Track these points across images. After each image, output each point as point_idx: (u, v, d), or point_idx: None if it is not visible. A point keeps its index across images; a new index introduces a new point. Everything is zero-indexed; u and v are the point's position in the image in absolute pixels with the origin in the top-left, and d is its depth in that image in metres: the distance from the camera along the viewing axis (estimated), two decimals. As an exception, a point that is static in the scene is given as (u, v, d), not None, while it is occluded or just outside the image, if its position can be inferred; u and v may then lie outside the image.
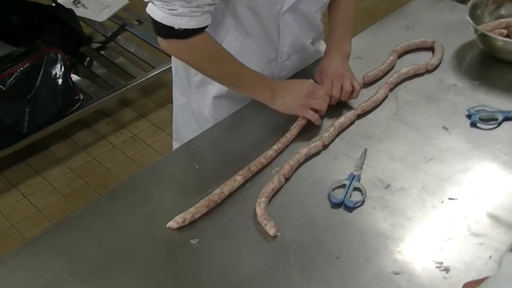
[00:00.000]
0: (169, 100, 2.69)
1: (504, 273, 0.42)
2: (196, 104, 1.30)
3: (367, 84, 1.27)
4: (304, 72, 1.32)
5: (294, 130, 1.13)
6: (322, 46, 1.38)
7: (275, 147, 1.10)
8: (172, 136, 1.49)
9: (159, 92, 2.73)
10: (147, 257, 0.93)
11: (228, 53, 1.12)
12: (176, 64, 1.33)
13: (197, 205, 0.98)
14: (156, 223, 0.98)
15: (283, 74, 1.28)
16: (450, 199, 1.00)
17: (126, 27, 2.86)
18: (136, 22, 2.96)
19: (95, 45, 2.77)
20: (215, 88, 1.25)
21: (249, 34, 1.17)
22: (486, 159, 1.07)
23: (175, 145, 1.44)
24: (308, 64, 1.34)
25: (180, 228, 0.96)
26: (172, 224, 0.96)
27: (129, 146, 2.43)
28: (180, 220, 0.96)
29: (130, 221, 0.98)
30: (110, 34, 2.77)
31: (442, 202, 0.99)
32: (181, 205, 0.99)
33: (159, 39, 1.09)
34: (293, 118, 1.16)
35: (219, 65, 1.12)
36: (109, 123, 2.57)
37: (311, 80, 1.18)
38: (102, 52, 2.76)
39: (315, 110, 1.15)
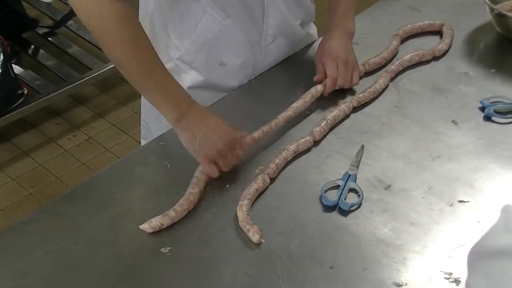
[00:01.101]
0: (132, 96, 2.77)
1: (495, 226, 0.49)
2: None
3: (367, 73, 1.34)
4: (294, 58, 1.38)
5: (280, 118, 1.18)
6: (313, 29, 1.45)
7: (256, 134, 1.13)
8: (140, 136, 1.53)
9: (121, 87, 2.77)
10: (110, 268, 0.97)
11: (147, 40, 1.07)
12: None
13: (176, 206, 1.02)
14: (121, 229, 1.02)
15: (269, 61, 1.34)
16: (460, 201, 1.06)
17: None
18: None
19: (42, 30, 2.81)
20: (190, 77, 1.30)
21: (228, 15, 1.22)
22: (502, 157, 1.14)
23: (144, 143, 1.48)
24: (298, 49, 1.40)
25: (149, 235, 1.01)
26: (145, 227, 1.00)
27: (83, 150, 2.47)
28: (157, 225, 1.00)
29: (91, 227, 1.03)
30: (60, 18, 2.82)
31: (451, 205, 1.06)
32: (150, 209, 1.04)
33: None
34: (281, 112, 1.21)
35: (129, 48, 1.04)
36: (59, 123, 2.60)
37: (235, 131, 1.10)
38: (50, 38, 2.80)
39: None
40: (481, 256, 0.49)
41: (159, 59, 1.09)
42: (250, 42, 1.28)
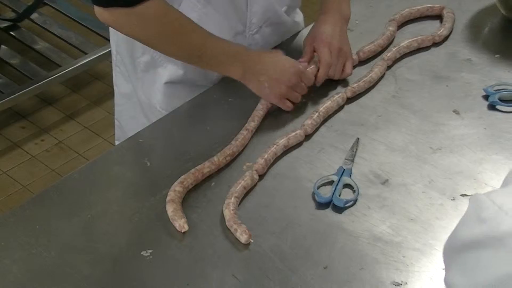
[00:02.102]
0: (106, 96, 2.81)
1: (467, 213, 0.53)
2: (143, 92, 1.38)
3: (361, 62, 1.39)
4: (279, 48, 1.42)
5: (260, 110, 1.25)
6: (299, 16, 1.49)
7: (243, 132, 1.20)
8: (115, 138, 1.56)
9: (94, 86, 2.81)
10: (87, 274, 1.01)
11: (189, 20, 1.19)
12: (116, 39, 1.40)
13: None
14: (97, 232, 1.06)
15: None
16: (463, 195, 1.11)
17: (46, 1, 2.94)
18: (59, -6, 3.04)
19: (3, 24, 2.84)
20: (167, 71, 1.34)
21: (209, 1, 1.26)
22: (508, 148, 1.19)
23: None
24: (284, 39, 1.44)
25: (126, 238, 1.05)
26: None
27: (53, 156, 2.51)
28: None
29: (64, 231, 1.06)
30: (23, 9, 2.85)
31: (453, 199, 1.11)
32: (130, 210, 1.08)
33: (97, 10, 1.15)
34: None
35: (179, 39, 1.20)
36: (25, 126, 2.63)
37: (296, 62, 1.27)
38: (13, 33, 2.83)
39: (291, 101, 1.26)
40: (455, 250, 0.53)
41: (202, 30, 1.20)
42: (233, 32, 1.32)
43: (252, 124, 1.22)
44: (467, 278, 0.51)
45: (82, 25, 2.83)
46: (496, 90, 1.31)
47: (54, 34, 2.81)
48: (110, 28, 1.36)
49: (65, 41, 2.79)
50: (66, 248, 1.05)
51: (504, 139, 1.21)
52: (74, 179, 1.17)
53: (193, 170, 1.12)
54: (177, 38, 1.20)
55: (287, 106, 1.26)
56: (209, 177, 1.15)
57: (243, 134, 1.20)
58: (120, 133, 1.51)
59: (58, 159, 2.49)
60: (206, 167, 1.13)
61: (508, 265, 0.47)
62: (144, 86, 1.38)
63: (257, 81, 1.23)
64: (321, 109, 1.25)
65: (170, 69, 1.33)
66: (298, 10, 1.48)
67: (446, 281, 0.55)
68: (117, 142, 1.54)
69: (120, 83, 1.45)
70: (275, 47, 1.41)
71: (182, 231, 1.04)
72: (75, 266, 1.02)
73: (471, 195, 1.10)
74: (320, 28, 1.33)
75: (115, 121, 1.53)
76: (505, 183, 0.54)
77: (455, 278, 0.53)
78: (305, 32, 1.40)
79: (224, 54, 1.23)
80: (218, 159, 1.15)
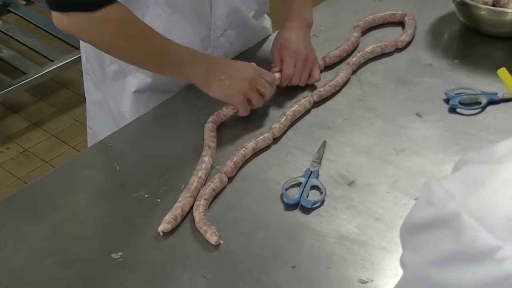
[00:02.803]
0: (73, 103, 2.80)
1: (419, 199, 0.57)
2: (113, 100, 1.39)
3: (327, 67, 1.42)
4: (247, 53, 1.44)
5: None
6: (267, 21, 1.51)
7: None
8: (87, 145, 1.55)
9: (60, 93, 2.80)
10: (56, 277, 1.01)
11: (148, 26, 1.19)
12: (86, 47, 1.40)
13: (180, 198, 1.08)
14: (66, 235, 1.07)
15: (219, 54, 1.38)
16: (425, 195, 1.14)
17: (10, 8, 2.92)
18: (24, 1, 3.02)
19: (-35, 31, 2.81)
20: (136, 80, 1.34)
21: (174, 9, 1.27)
22: (468, 149, 1.23)
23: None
24: (251, 44, 1.46)
25: (96, 241, 1.05)
26: (164, 227, 1.04)
27: (19, 164, 2.48)
28: (171, 219, 1.05)
29: (33, 235, 1.07)
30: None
31: (416, 199, 1.13)
32: (99, 212, 1.08)
33: (55, 15, 1.12)
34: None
35: (139, 44, 1.19)
36: (-11, 134, 2.61)
37: (254, 64, 1.28)
38: (-24, 40, 2.81)
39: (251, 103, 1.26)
40: (409, 231, 0.57)
41: (161, 36, 1.20)
42: (199, 37, 1.33)
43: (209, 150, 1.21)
44: (418, 256, 0.54)
45: (48, 32, 2.81)
46: (456, 94, 1.35)
47: (19, 42, 2.79)
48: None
49: (31, 49, 2.77)
50: (35, 251, 1.05)
51: (464, 141, 1.25)
52: (43, 183, 1.17)
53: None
54: (137, 44, 1.19)
55: (245, 109, 1.25)
56: (178, 180, 1.15)
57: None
58: (93, 140, 1.50)
59: (24, 167, 2.46)
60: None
61: (452, 244, 0.51)
62: (113, 95, 1.38)
63: (218, 80, 1.22)
64: (289, 112, 1.28)
65: (138, 78, 1.34)
66: (266, 16, 1.51)
67: (400, 261, 0.58)
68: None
69: (91, 91, 1.46)
70: (242, 53, 1.43)
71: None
72: (44, 269, 1.02)
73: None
74: (284, 36, 1.36)
75: (88, 128, 1.52)
76: (454, 170, 0.57)
77: (408, 257, 0.56)
78: (272, 37, 1.42)
79: (185, 59, 1.23)
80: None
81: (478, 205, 0.50)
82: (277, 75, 1.32)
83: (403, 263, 0.57)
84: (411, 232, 0.56)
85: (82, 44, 1.42)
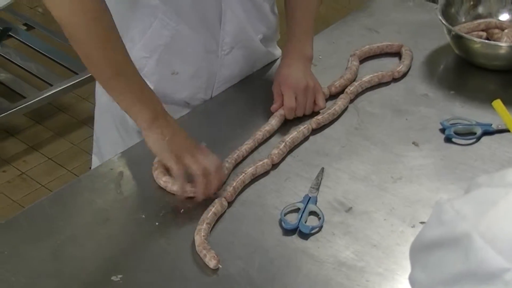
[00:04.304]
0: (70, 127, 2.80)
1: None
2: (117, 106, 1.37)
3: (332, 95, 1.43)
4: (252, 78, 1.46)
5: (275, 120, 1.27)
6: (276, 50, 1.52)
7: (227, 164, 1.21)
8: (91, 160, 1.55)
9: (58, 117, 2.81)
10: (57, 299, 1.01)
11: (119, 37, 1.14)
12: None
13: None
14: (66, 258, 1.07)
15: (224, 74, 1.39)
16: (422, 223, 1.15)
17: (10, 33, 2.94)
18: (24, 27, 3.05)
19: (-34, 55, 2.83)
20: None
21: (182, 19, 1.28)
22: (463, 178, 1.24)
23: (95, 160, 1.52)
24: (257, 67, 1.47)
25: (96, 263, 1.06)
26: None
27: (16, 187, 2.48)
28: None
29: (33, 257, 1.07)
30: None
31: (413, 226, 1.15)
32: (98, 236, 1.09)
33: None
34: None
35: (104, 46, 1.12)
36: (-13, 157, 2.61)
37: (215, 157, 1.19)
38: (-25, 64, 2.82)
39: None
40: (419, 250, 0.58)
41: (131, 60, 1.16)
42: (205, 50, 1.34)
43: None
44: (427, 274, 0.55)
45: (47, 57, 2.83)
46: (451, 124, 1.37)
47: (18, 65, 2.81)
48: None
49: (29, 72, 2.78)
50: (34, 273, 1.05)
51: (460, 170, 1.27)
52: (43, 206, 1.18)
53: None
54: (99, 42, 1.13)
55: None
56: (178, 204, 1.17)
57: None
58: (97, 147, 1.51)
59: (20, 190, 2.47)
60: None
61: (462, 264, 0.52)
62: None
63: (160, 132, 1.15)
64: (288, 139, 1.29)
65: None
66: (276, 45, 1.51)
67: (410, 278, 0.59)
68: (93, 156, 1.54)
69: (99, 94, 1.45)
70: (247, 77, 1.44)
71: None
72: (44, 291, 1.02)
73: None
74: (282, 71, 1.37)
75: (94, 135, 1.52)
76: (466, 192, 0.59)
77: (417, 275, 0.57)
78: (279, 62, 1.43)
79: (142, 93, 1.18)
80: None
81: (488, 226, 0.51)
82: (280, 111, 1.34)
83: (412, 281, 0.58)
84: (421, 250, 0.57)
85: None
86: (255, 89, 1.44)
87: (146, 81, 1.32)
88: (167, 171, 1.18)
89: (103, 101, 1.44)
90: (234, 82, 1.44)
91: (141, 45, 1.30)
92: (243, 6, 1.34)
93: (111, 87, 1.19)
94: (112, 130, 1.43)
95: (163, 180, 1.17)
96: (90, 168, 1.48)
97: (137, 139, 1.32)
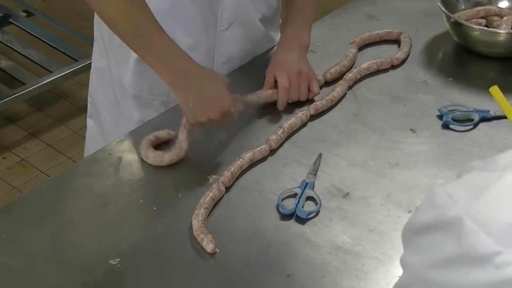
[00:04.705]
0: (71, 114, 2.81)
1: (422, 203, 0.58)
2: (116, 69, 1.41)
3: (328, 82, 1.43)
4: (252, 64, 1.46)
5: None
6: (277, 34, 1.52)
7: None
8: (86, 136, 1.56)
9: (58, 104, 2.81)
10: (55, 283, 1.02)
11: (144, 3, 1.17)
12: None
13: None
14: (65, 242, 1.08)
15: (224, 51, 1.39)
16: (418, 208, 1.16)
17: (10, 19, 2.94)
18: (24, 14, 3.05)
19: (-36, 42, 2.83)
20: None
21: None
22: (460, 164, 1.25)
23: (90, 123, 1.53)
24: (258, 51, 1.47)
25: (94, 247, 1.07)
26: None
27: (15, 173, 2.49)
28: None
29: (32, 241, 1.08)
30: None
31: (410, 211, 1.15)
32: (96, 221, 1.09)
33: None
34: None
35: (126, 12, 1.17)
36: (-14, 144, 2.62)
37: (230, 102, 1.22)
38: (-25, 51, 2.82)
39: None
40: (411, 233, 0.58)
41: (154, 19, 1.18)
42: (204, 23, 1.35)
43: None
44: (420, 257, 0.56)
45: (47, 44, 2.83)
46: (449, 111, 1.37)
47: (18, 52, 2.80)
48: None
49: (30, 59, 2.78)
50: (34, 257, 1.06)
51: (457, 156, 1.27)
52: (42, 191, 1.19)
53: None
54: (121, 4, 1.17)
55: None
56: (176, 189, 1.17)
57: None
58: (92, 109, 1.52)
59: (20, 176, 2.47)
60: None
61: (453, 247, 0.52)
62: (116, 63, 1.40)
63: (185, 96, 1.20)
64: (286, 125, 1.30)
65: None
66: (277, 29, 1.51)
67: (401, 261, 0.59)
68: (88, 119, 1.55)
69: (97, 58, 1.47)
70: (249, 63, 1.44)
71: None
72: (43, 274, 1.03)
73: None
74: (278, 56, 1.38)
75: (88, 97, 1.54)
76: (458, 176, 0.59)
77: (410, 257, 0.58)
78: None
79: (166, 53, 1.20)
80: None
81: (480, 210, 0.52)
82: (269, 91, 1.35)
83: (403, 263, 0.59)
84: (414, 233, 0.58)
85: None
86: (253, 77, 1.42)
87: None
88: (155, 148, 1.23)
89: (101, 64, 1.45)
90: (234, 63, 1.43)
91: None
92: None
93: (134, 48, 1.22)
94: (108, 92, 1.44)
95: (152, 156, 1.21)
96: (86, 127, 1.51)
97: (133, 103, 1.35)
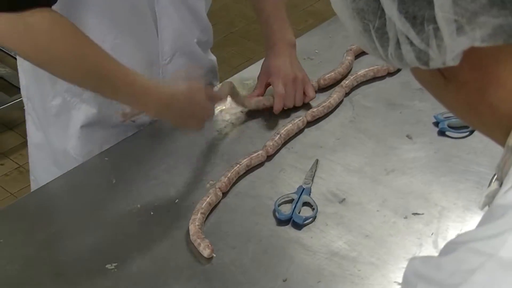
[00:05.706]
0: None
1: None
2: (56, 138, 1.31)
3: (322, 89, 1.45)
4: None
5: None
6: (211, 56, 1.47)
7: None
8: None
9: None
10: (51, 287, 1.02)
11: (89, 39, 1.07)
12: (26, 84, 1.32)
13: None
14: (62, 246, 1.09)
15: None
16: (414, 214, 1.17)
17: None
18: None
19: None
20: (81, 113, 1.27)
21: (120, 31, 1.21)
22: (455, 171, 1.26)
23: (34, 186, 1.41)
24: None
25: (91, 251, 1.07)
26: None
27: (13, 180, 2.49)
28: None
29: (29, 244, 1.08)
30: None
31: (405, 217, 1.16)
32: (94, 223, 1.10)
33: None
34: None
35: (75, 57, 1.05)
36: (-15, 151, 2.62)
37: (205, 95, 1.21)
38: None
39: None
40: None
41: (106, 53, 1.09)
42: (145, 61, 1.27)
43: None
44: None
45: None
46: (445, 118, 1.38)
47: (15, 59, 2.79)
48: (20, 73, 1.30)
49: (28, 67, 2.78)
50: (29, 261, 1.06)
51: (452, 163, 1.28)
52: (37, 196, 1.20)
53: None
54: (72, 57, 1.06)
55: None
56: (173, 194, 1.18)
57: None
58: (36, 187, 1.33)
59: (18, 183, 2.47)
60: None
61: None
62: (57, 132, 1.30)
63: (165, 120, 1.24)
64: (282, 131, 1.30)
65: (83, 110, 1.27)
66: (210, 51, 1.46)
67: None
68: (31, 183, 1.44)
69: (32, 133, 1.37)
70: None
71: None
72: (38, 279, 1.04)
73: (422, 213, 1.16)
74: (271, 62, 1.37)
75: (30, 175, 1.44)
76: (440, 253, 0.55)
77: None
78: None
79: (134, 87, 1.12)
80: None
81: None
82: (258, 98, 1.36)
83: None
84: None
85: (22, 81, 1.34)
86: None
87: (87, 106, 1.27)
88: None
89: (38, 139, 1.36)
90: None
91: None
92: (178, 11, 1.28)
93: (94, 90, 1.15)
94: (52, 168, 1.32)
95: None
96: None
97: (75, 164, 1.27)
